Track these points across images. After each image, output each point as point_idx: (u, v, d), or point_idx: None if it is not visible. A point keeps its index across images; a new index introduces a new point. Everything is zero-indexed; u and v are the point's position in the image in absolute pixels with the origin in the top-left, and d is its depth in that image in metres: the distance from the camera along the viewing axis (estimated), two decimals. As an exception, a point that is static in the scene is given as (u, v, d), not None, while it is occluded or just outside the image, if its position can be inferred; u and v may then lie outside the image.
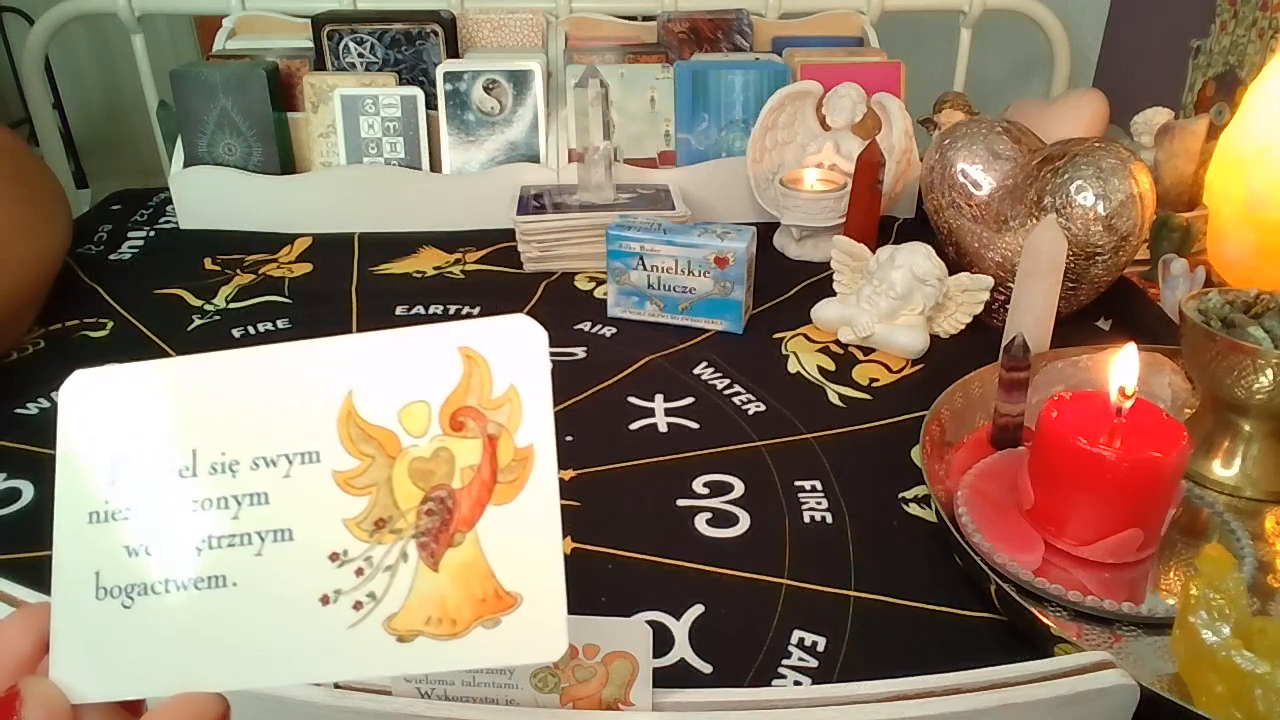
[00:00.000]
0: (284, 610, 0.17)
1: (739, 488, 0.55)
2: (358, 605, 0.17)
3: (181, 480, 0.19)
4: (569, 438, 0.60)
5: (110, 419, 0.19)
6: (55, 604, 0.19)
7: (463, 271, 0.85)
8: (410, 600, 0.17)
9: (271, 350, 0.19)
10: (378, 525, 0.17)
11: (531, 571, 0.17)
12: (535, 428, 0.17)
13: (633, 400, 0.64)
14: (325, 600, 0.17)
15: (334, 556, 0.18)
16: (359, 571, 0.17)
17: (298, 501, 0.18)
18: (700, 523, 0.52)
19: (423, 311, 0.77)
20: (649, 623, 0.34)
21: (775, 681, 0.41)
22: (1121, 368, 0.45)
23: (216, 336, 0.72)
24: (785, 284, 0.82)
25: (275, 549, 0.18)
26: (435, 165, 0.94)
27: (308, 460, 0.18)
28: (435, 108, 0.93)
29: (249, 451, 0.18)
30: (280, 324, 0.74)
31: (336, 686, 0.35)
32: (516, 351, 0.18)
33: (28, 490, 0.54)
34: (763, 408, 0.63)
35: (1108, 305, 0.75)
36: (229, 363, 0.19)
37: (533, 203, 0.85)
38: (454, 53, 0.99)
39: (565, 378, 0.67)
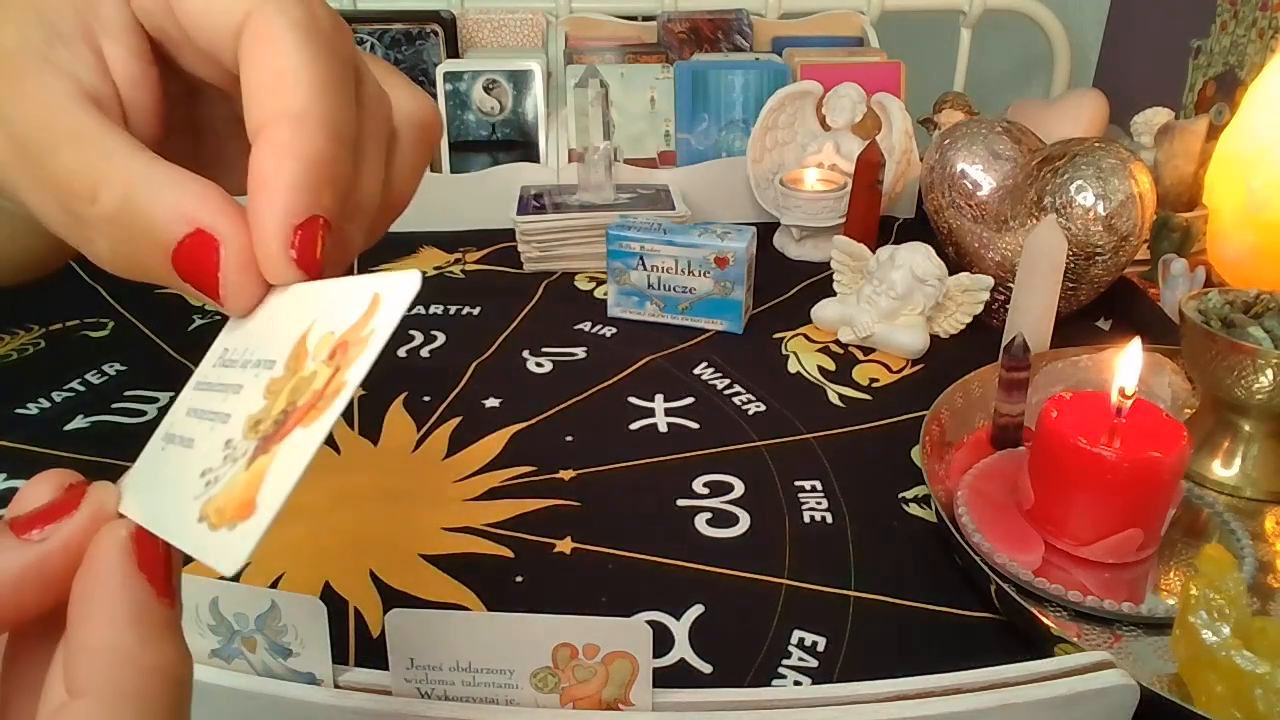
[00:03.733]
0: (194, 474, 0.20)
1: (739, 488, 0.55)
2: (208, 485, 0.19)
3: (217, 367, 0.22)
4: (569, 438, 0.60)
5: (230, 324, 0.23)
6: (150, 441, 0.22)
7: (463, 271, 0.85)
8: (222, 490, 0.19)
9: (303, 286, 0.21)
10: (254, 424, 0.19)
11: (270, 491, 0.18)
12: (359, 370, 0.18)
13: (633, 400, 0.64)
14: (204, 474, 0.19)
15: (228, 442, 0.20)
16: (226, 458, 0.19)
17: (245, 396, 0.20)
18: (700, 523, 0.52)
19: (423, 311, 0.77)
20: (649, 623, 0.34)
21: (775, 681, 0.41)
22: (1126, 364, 0.45)
23: (217, 336, 0.72)
24: (785, 284, 0.82)
25: (218, 427, 0.20)
26: (435, 165, 0.94)
27: (267, 366, 0.20)
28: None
29: (254, 354, 0.21)
30: (280, 324, 0.74)
31: (337, 686, 0.36)
32: (395, 302, 0.19)
33: (28, 490, 0.54)
34: (763, 408, 0.63)
35: (1108, 305, 0.75)
36: (279, 292, 0.21)
37: (533, 203, 0.85)
38: (454, 53, 0.99)
39: (565, 378, 0.67)
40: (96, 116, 0.21)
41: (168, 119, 0.24)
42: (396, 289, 0.19)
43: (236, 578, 0.20)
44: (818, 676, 0.42)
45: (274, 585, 0.46)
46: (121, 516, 0.20)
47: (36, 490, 0.21)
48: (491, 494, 0.54)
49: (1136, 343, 0.46)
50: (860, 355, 0.70)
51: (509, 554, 0.49)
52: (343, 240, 0.22)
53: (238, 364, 0.21)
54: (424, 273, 0.85)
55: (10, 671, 0.21)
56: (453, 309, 0.78)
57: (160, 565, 0.19)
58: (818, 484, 0.55)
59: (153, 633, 0.18)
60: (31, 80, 0.21)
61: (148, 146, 0.21)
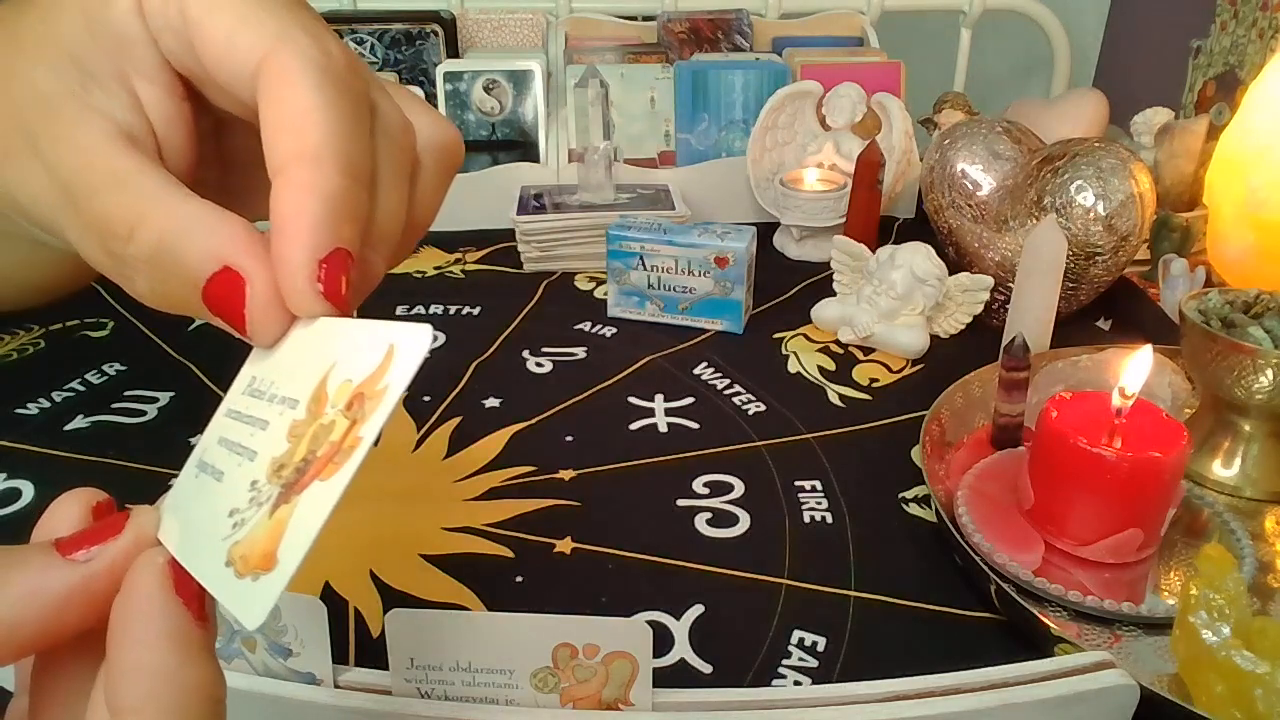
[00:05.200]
0: (224, 512, 0.20)
1: (739, 488, 0.55)
2: (236, 526, 0.20)
3: (245, 395, 0.23)
4: (569, 438, 0.60)
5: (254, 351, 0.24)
6: (186, 466, 0.23)
7: (463, 271, 0.85)
8: (248, 535, 0.19)
9: (327, 322, 0.21)
10: (278, 468, 0.20)
11: (290, 545, 0.18)
12: (373, 427, 0.19)
13: (633, 400, 0.64)
14: (232, 513, 0.20)
15: (254, 483, 0.20)
16: (252, 500, 0.20)
17: (270, 435, 0.21)
18: (700, 523, 0.52)
19: (423, 311, 0.77)
20: (649, 623, 0.34)
21: (775, 681, 0.41)
22: (1134, 368, 0.45)
23: (217, 337, 0.72)
24: (785, 284, 0.82)
25: (245, 464, 0.21)
26: (435, 165, 0.94)
27: (290, 406, 0.21)
28: (435, 107, 0.93)
29: (279, 389, 0.22)
30: (280, 324, 0.74)
31: (337, 686, 0.36)
32: (409, 357, 0.19)
33: (28, 490, 0.54)
34: (763, 408, 0.63)
35: (1108, 305, 0.75)
36: (304, 325, 0.22)
37: (533, 203, 0.85)
38: (454, 53, 0.99)
39: (565, 378, 0.67)
40: (133, 157, 0.22)
41: (199, 152, 0.25)
42: (411, 342, 0.19)
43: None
44: (818, 676, 0.42)
45: (274, 585, 0.46)
46: (159, 542, 0.21)
47: (66, 507, 0.22)
48: (491, 494, 0.54)
49: (1148, 349, 0.46)
50: (860, 355, 0.70)
51: (509, 554, 0.49)
52: (366, 268, 0.23)
53: (264, 397, 0.22)
54: (424, 273, 0.85)
55: (43, 687, 0.21)
56: (453, 309, 0.78)
57: (196, 593, 0.20)
58: (818, 484, 0.55)
59: (191, 654, 0.19)
60: (69, 122, 0.22)
61: (182, 179, 0.22)
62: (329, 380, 0.20)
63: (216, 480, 0.21)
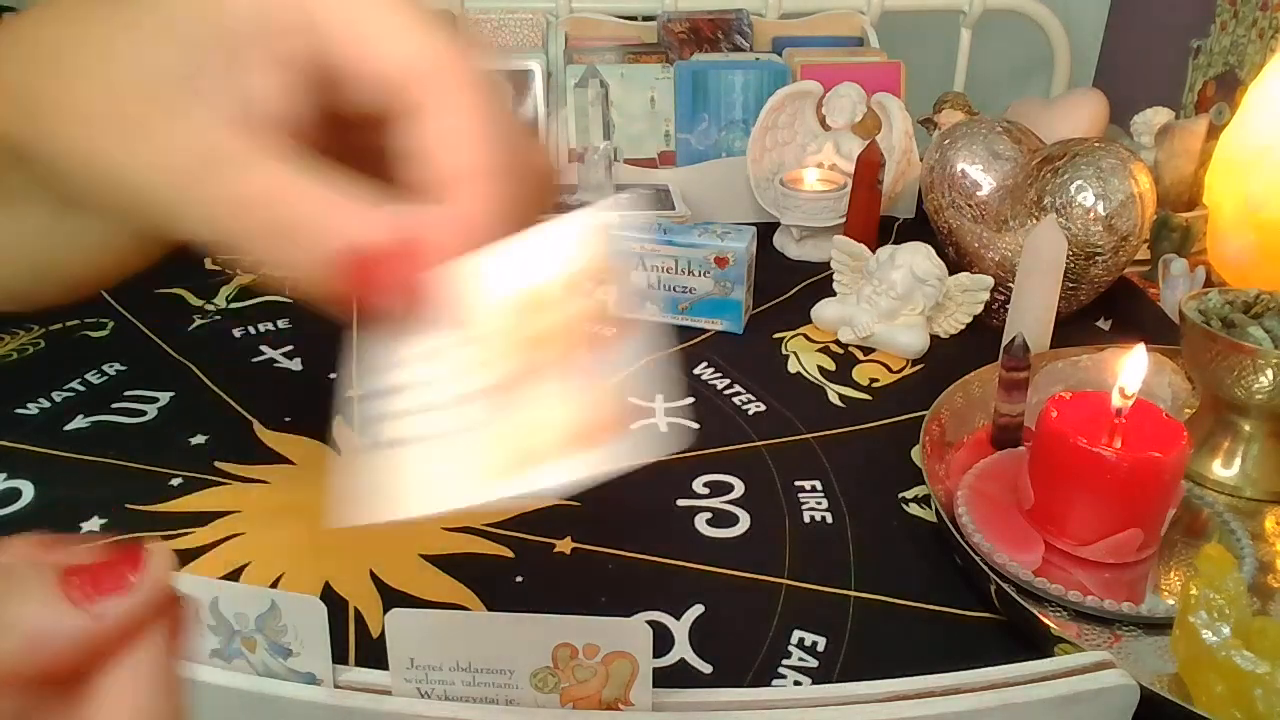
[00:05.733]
0: (467, 450, 0.21)
1: (739, 488, 0.55)
2: (497, 446, 0.21)
3: (410, 367, 0.22)
4: (569, 438, 0.60)
5: None
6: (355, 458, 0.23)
7: (463, 271, 0.85)
8: (533, 436, 0.21)
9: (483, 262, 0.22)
10: (500, 385, 0.21)
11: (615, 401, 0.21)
12: (612, 291, 0.21)
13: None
14: (482, 444, 0.21)
15: (479, 409, 0.21)
16: (491, 423, 0.21)
17: (467, 368, 0.22)
18: (700, 523, 0.52)
19: (423, 311, 0.77)
20: (649, 623, 0.34)
21: (775, 681, 0.41)
22: (1130, 368, 0.45)
23: (218, 336, 0.72)
24: (785, 284, 0.82)
25: (457, 411, 0.21)
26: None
27: (472, 342, 0.21)
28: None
29: (449, 341, 0.22)
30: (281, 324, 0.74)
31: (337, 686, 0.36)
32: (598, 234, 0.21)
33: (28, 490, 0.54)
34: (763, 408, 0.63)
35: (1108, 305, 0.75)
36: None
37: (533, 203, 0.85)
38: (454, 53, 0.99)
39: (565, 378, 0.67)
40: (253, 140, 0.22)
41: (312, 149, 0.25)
42: (595, 223, 0.21)
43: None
44: (818, 676, 0.42)
45: (274, 585, 0.46)
46: (175, 587, 0.20)
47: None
48: (491, 494, 0.54)
49: (1141, 349, 0.46)
50: (860, 355, 0.70)
51: (509, 554, 0.49)
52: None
53: (439, 356, 0.22)
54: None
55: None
56: (453, 309, 0.78)
57: (180, 628, 0.20)
58: (818, 484, 0.55)
59: (177, 699, 0.20)
60: (181, 109, 0.22)
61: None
62: (535, 290, 0.21)
63: (433, 440, 0.21)
